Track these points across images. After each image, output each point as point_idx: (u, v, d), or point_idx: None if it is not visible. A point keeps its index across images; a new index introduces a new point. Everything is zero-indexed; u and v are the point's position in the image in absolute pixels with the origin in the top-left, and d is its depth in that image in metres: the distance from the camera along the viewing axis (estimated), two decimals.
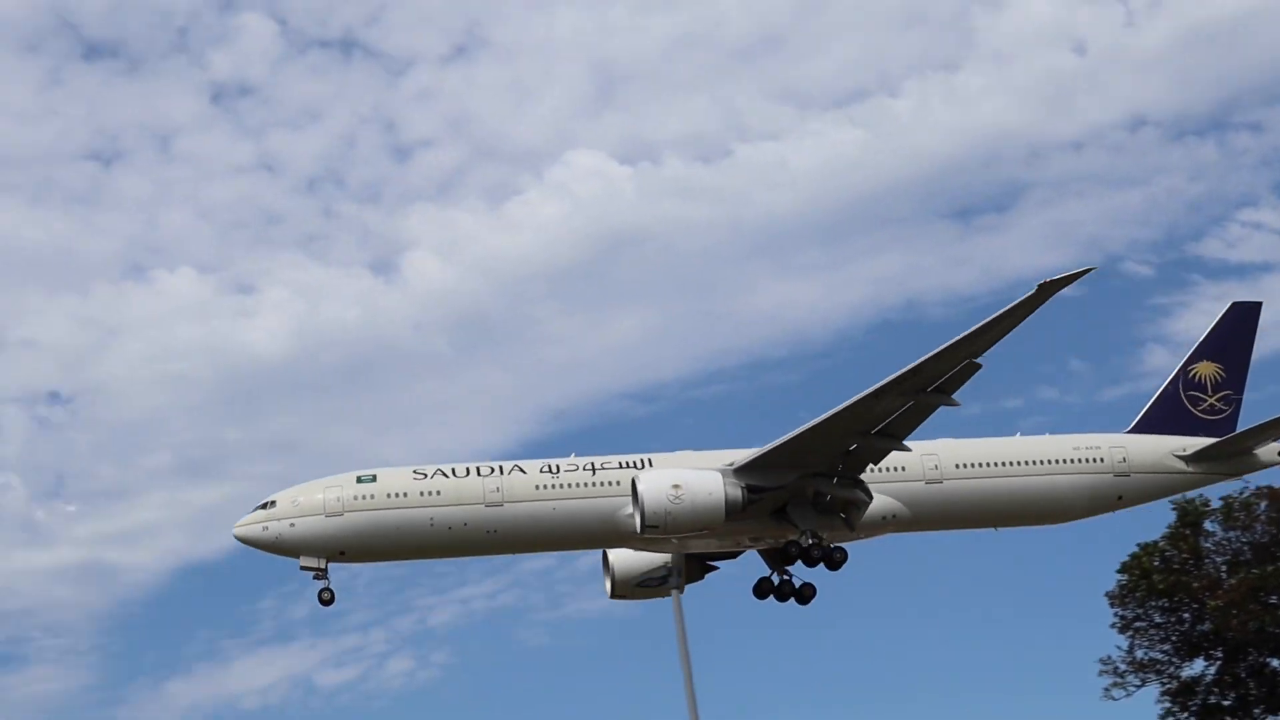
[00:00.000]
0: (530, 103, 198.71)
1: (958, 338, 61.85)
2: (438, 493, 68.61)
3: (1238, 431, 74.10)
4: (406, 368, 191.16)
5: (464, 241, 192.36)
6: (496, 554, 70.87)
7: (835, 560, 68.96)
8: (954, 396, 65.52)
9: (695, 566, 73.47)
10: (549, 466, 69.77)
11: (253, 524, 68.48)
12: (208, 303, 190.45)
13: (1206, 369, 76.17)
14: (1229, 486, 79.24)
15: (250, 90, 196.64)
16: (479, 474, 69.12)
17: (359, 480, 69.24)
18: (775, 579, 71.45)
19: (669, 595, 71.56)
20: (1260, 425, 72.87)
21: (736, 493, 66.04)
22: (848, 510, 67.94)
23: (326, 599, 68.83)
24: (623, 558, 72.59)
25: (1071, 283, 59.83)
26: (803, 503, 67.91)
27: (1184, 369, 76.59)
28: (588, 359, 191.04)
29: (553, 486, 68.90)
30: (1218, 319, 78.19)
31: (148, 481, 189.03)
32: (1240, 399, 76.12)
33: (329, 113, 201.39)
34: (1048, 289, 59.46)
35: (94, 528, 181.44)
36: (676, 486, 65.58)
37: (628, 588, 73.23)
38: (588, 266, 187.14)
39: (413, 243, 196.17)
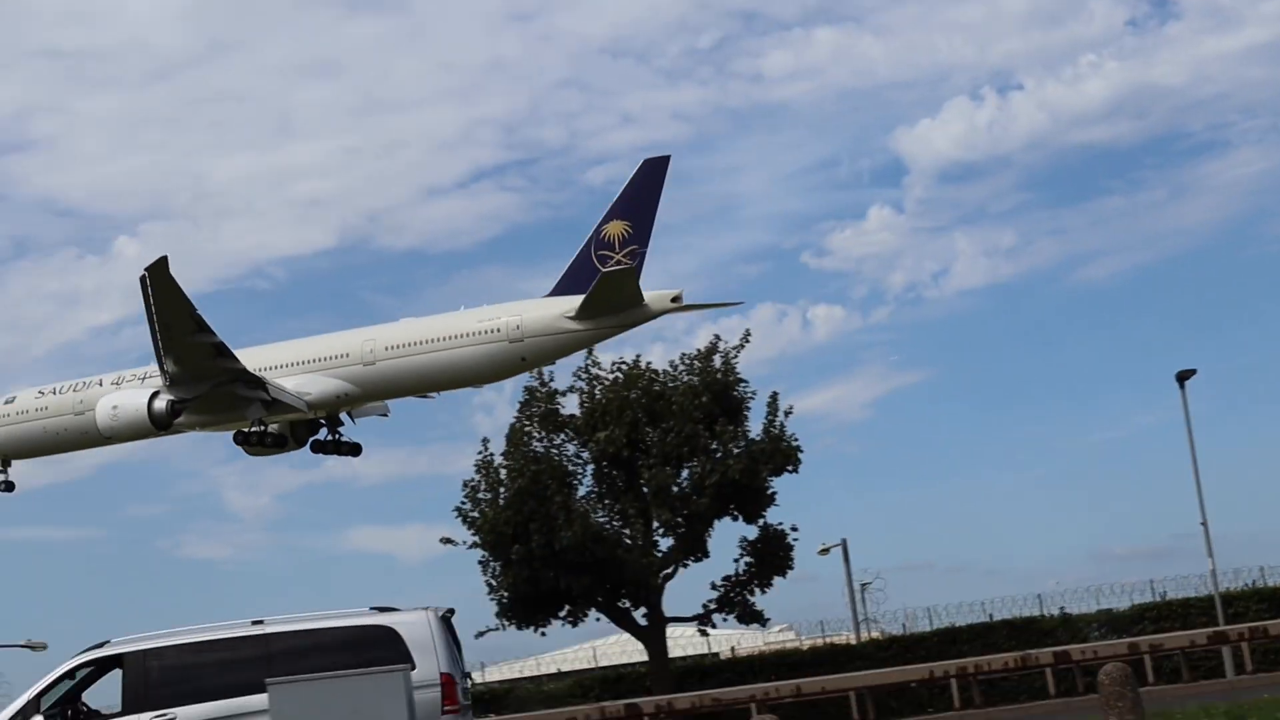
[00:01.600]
0: None
1: None
2: (45, 408, 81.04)
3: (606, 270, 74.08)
4: None
5: None
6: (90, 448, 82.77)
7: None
8: None
9: (302, 430, 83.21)
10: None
11: None
12: None
13: (615, 228, 76.27)
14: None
15: None
16: (74, 390, 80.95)
17: (4, 402, 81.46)
18: (325, 435, 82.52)
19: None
20: (611, 271, 73.36)
21: (163, 406, 76.88)
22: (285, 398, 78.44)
23: (4, 489, 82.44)
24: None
25: None
26: (237, 400, 77.96)
27: (596, 230, 76.67)
28: None
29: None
30: (630, 177, 76.99)
31: None
32: (644, 252, 75.70)
33: None
34: None
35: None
36: (115, 407, 78.16)
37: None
38: None
39: None
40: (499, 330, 76.08)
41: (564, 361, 79.18)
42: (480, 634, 77.52)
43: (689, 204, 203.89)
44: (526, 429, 77.98)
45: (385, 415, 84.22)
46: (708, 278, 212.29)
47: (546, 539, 73.47)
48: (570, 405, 78.89)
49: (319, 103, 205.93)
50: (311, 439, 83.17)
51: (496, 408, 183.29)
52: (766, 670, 78.64)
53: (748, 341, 78.74)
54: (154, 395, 77.52)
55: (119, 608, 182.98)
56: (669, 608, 78.27)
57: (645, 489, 76.23)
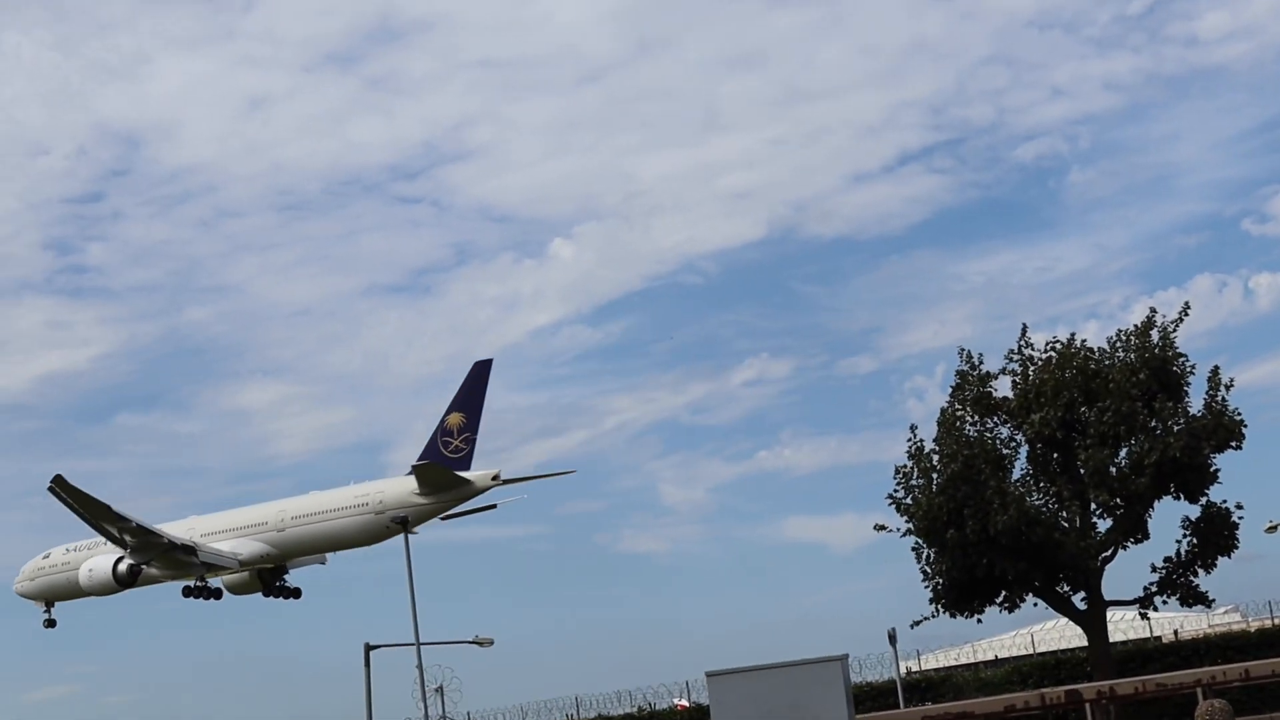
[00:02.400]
0: None
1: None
2: (69, 563, 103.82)
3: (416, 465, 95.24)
4: None
5: None
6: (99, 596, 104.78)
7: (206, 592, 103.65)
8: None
9: (267, 575, 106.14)
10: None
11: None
12: None
13: (454, 419, 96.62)
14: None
15: None
16: (88, 549, 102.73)
17: (44, 556, 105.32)
18: (276, 583, 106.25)
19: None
20: (419, 464, 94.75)
21: (124, 568, 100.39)
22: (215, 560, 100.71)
23: (47, 625, 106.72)
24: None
25: None
26: (179, 562, 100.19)
27: (442, 419, 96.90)
28: None
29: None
30: (465, 376, 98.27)
31: None
32: (475, 438, 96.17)
33: None
34: None
35: None
36: (91, 569, 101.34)
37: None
38: None
39: None
40: (368, 504, 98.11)
41: (995, 343, 79.20)
42: (915, 623, 77.02)
43: (1122, 175, 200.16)
44: (958, 413, 76.97)
45: (324, 564, 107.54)
46: (1143, 251, 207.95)
47: (981, 524, 72.39)
48: (1003, 388, 77.64)
49: (743, 95, 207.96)
50: (275, 583, 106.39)
51: (927, 393, 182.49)
52: (1212, 653, 76.65)
53: (1187, 314, 76.53)
54: (118, 560, 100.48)
55: (562, 603, 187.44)
56: (1109, 591, 76.51)
57: (1082, 470, 74.47)
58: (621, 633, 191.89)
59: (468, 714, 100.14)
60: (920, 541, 75.34)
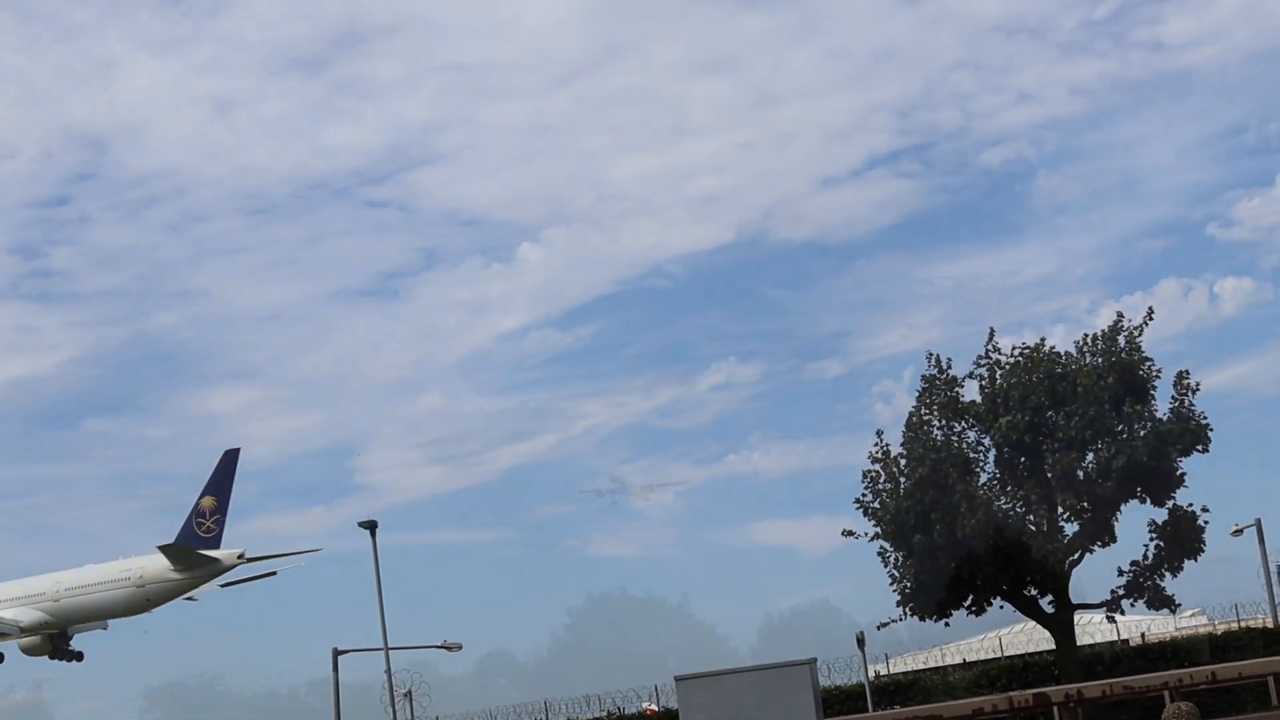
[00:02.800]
0: None
1: None
2: None
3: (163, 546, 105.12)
4: None
5: None
6: None
7: None
8: None
9: (58, 639, 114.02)
10: None
11: None
12: None
13: (208, 502, 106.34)
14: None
15: None
16: None
17: None
18: (63, 647, 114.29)
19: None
20: (165, 545, 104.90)
21: None
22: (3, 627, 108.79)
23: None
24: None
25: None
26: None
27: (197, 501, 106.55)
28: None
29: None
30: (216, 463, 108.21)
31: None
32: (224, 519, 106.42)
33: None
34: None
35: None
36: None
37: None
38: None
39: None
40: (130, 579, 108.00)
41: (963, 347, 79.10)
42: (882, 625, 77.12)
43: (1088, 180, 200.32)
44: (926, 418, 77.06)
45: (105, 628, 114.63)
46: (1109, 255, 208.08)
47: (949, 528, 72.53)
48: (970, 392, 77.77)
49: (713, 99, 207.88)
50: (62, 646, 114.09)
51: (895, 397, 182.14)
52: (1179, 656, 76.76)
53: (1151, 319, 76.66)
54: None
55: (531, 608, 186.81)
56: (1076, 594, 76.67)
57: (1049, 474, 74.68)
58: (590, 637, 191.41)
59: (436, 718, 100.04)
60: (887, 545, 75.48)
